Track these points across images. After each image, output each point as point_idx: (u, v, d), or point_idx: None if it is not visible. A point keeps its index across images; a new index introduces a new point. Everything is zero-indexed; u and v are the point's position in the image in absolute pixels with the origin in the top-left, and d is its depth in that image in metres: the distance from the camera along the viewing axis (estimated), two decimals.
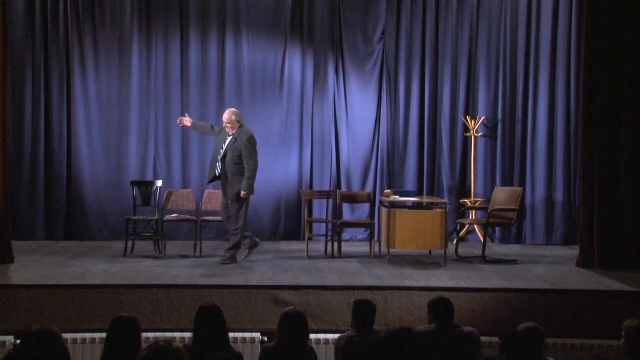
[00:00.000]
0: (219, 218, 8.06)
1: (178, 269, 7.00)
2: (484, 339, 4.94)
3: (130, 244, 7.80)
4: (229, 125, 7.39)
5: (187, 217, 8.12)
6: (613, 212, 7.31)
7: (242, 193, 7.30)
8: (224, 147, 7.39)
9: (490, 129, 9.44)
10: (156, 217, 7.90)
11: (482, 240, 8.15)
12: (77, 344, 5.66)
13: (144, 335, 4.41)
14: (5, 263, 6.99)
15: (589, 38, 7.49)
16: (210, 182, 7.65)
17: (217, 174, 7.43)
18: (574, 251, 8.09)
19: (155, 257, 7.66)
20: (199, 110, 9.28)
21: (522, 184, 9.24)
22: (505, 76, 9.39)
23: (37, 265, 7.06)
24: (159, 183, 8.09)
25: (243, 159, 7.33)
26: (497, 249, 8.69)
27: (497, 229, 9.26)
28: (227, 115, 7.45)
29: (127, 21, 9.23)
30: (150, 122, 9.24)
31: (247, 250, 7.53)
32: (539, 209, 9.32)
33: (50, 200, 9.10)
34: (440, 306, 4.50)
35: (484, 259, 7.66)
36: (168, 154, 9.29)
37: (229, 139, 7.39)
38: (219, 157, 7.40)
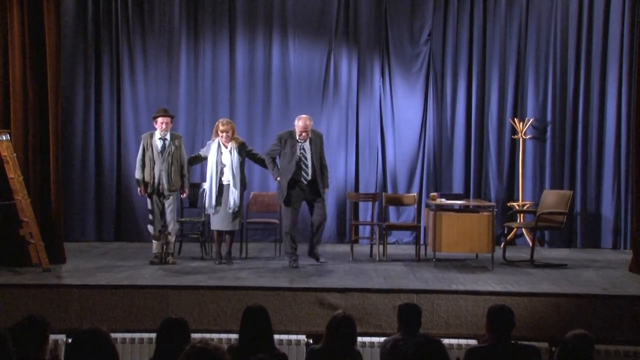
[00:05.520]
0: (265, 220, 8.14)
1: (224, 270, 7.08)
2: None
3: (177, 245, 7.92)
4: (304, 133, 7.29)
5: None
6: None
7: (326, 190, 7.51)
8: (308, 153, 7.35)
9: (539, 131, 9.29)
10: (203, 219, 8.00)
11: (531, 244, 8.03)
12: (125, 343, 5.76)
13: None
14: (58, 263, 7.16)
15: None
16: (292, 196, 7.32)
17: (306, 181, 7.33)
18: (626, 255, 7.90)
19: (201, 259, 7.76)
20: (246, 112, 9.37)
21: (572, 186, 9.08)
22: (555, 77, 9.24)
23: (87, 266, 7.22)
24: (206, 185, 8.17)
25: (324, 166, 7.48)
26: (546, 253, 8.55)
27: (546, 233, 9.12)
28: (306, 122, 7.32)
29: (175, 26, 9.38)
30: (197, 124, 9.37)
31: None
32: (589, 212, 9.16)
33: (100, 202, 9.30)
34: (497, 316, 4.19)
35: (532, 263, 7.55)
36: None
37: (308, 144, 7.36)
38: (306, 164, 7.32)
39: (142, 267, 7.16)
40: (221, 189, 7.33)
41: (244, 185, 7.42)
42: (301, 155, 7.34)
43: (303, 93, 9.44)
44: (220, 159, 7.32)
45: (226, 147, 7.34)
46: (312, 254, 7.45)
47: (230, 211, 7.30)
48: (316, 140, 7.41)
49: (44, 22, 7.22)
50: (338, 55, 9.43)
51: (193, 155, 7.82)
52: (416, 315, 4.45)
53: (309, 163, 7.34)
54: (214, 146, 7.36)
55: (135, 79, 9.36)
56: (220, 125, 7.38)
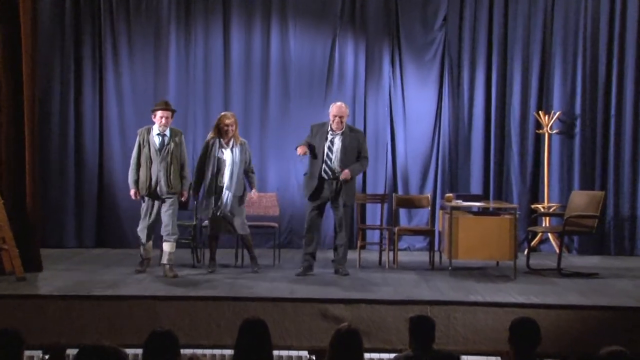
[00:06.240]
0: (262, 223, 8.12)
1: (218, 279, 7.07)
2: None
3: None
4: (337, 118, 7.32)
5: None
6: None
7: (346, 173, 7.23)
8: (335, 146, 7.34)
9: (566, 125, 9.28)
10: (194, 223, 8.00)
11: (557, 251, 8.02)
12: None
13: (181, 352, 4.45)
14: (34, 271, 7.14)
15: None
16: (314, 192, 7.37)
17: (328, 177, 7.34)
18: None
19: (193, 266, 7.76)
20: (242, 105, 9.36)
21: (604, 187, 9.07)
22: (584, 65, 9.23)
23: (66, 275, 7.21)
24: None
25: (361, 157, 7.44)
26: (575, 261, 8.53)
27: (575, 238, 9.12)
28: (341, 108, 7.36)
29: (164, 9, 9.37)
30: (188, 119, 9.35)
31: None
32: (623, 215, 9.15)
33: (80, 204, 9.29)
34: (521, 330, 4.16)
35: (559, 272, 7.53)
36: None
37: (339, 137, 7.37)
38: (330, 158, 7.33)
39: (127, 276, 7.14)
40: (221, 191, 7.30)
41: (241, 188, 7.38)
42: (327, 148, 7.34)
43: (304, 85, 9.43)
44: (221, 158, 7.30)
45: (227, 146, 7.32)
46: (335, 270, 7.44)
47: (233, 214, 7.29)
48: (351, 137, 7.39)
49: (19, 7, 7.20)
50: (343, 42, 9.42)
51: (198, 169, 7.52)
52: (429, 329, 4.41)
53: (333, 157, 7.33)
54: (216, 143, 7.30)
55: (120, 69, 9.35)
56: (224, 118, 7.35)
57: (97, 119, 9.36)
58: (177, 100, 9.34)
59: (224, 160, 7.30)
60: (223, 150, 7.32)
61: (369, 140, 9.35)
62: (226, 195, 7.28)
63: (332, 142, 7.38)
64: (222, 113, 7.56)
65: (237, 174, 7.30)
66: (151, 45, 9.38)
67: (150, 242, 7.37)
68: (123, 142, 9.27)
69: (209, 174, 7.30)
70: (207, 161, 7.34)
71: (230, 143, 7.32)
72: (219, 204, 7.30)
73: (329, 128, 7.40)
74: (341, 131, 7.37)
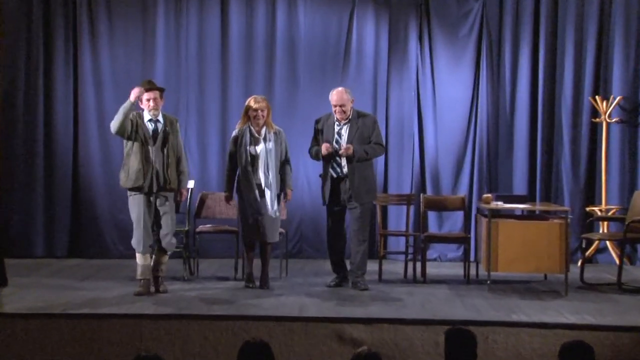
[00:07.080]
0: None
1: (214, 294, 7.11)
2: None
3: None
4: (338, 107, 7.38)
5: (226, 227, 8.24)
6: None
7: (347, 147, 7.30)
8: (343, 139, 7.41)
9: (628, 112, 9.27)
10: (186, 228, 8.06)
11: (617, 262, 8.00)
12: None
13: None
14: None
15: None
16: (329, 196, 7.49)
17: (336, 176, 7.42)
18: None
19: (185, 279, 7.82)
20: (242, 91, 9.37)
21: None
22: None
23: (36, 289, 7.24)
24: (191, 184, 8.20)
25: (372, 143, 7.47)
26: (638, 274, 8.52)
27: (638, 247, 9.10)
28: (342, 95, 7.42)
29: None
30: (179, 105, 9.38)
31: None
32: None
33: (51, 207, 9.33)
34: (573, 355, 4.18)
35: (619, 287, 7.52)
36: (202, 146, 9.43)
37: (347, 126, 7.44)
38: (339, 153, 7.40)
39: (108, 291, 7.18)
40: (259, 190, 7.30)
41: (279, 185, 7.39)
42: (334, 142, 7.42)
43: (316, 66, 9.48)
44: (253, 150, 7.32)
45: (259, 136, 7.32)
46: (352, 283, 7.50)
47: (272, 218, 7.32)
48: (359, 125, 7.44)
49: None
50: (362, 15, 9.47)
51: (228, 169, 7.54)
52: (470, 346, 4.38)
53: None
54: (246, 134, 7.31)
55: (98, 48, 9.39)
56: (252, 101, 7.36)
57: (70, 108, 9.40)
58: (166, 85, 9.23)
59: (257, 155, 7.30)
60: (255, 142, 7.32)
61: (392, 130, 9.40)
62: (268, 194, 7.27)
63: (339, 134, 7.45)
64: (251, 97, 7.52)
65: (273, 169, 7.30)
66: (135, 20, 9.41)
67: (149, 256, 7.17)
68: (102, 134, 9.26)
69: (241, 171, 7.30)
70: (238, 157, 7.34)
71: (263, 132, 7.33)
72: (259, 205, 7.28)
73: (335, 119, 7.47)
74: (347, 120, 7.43)
